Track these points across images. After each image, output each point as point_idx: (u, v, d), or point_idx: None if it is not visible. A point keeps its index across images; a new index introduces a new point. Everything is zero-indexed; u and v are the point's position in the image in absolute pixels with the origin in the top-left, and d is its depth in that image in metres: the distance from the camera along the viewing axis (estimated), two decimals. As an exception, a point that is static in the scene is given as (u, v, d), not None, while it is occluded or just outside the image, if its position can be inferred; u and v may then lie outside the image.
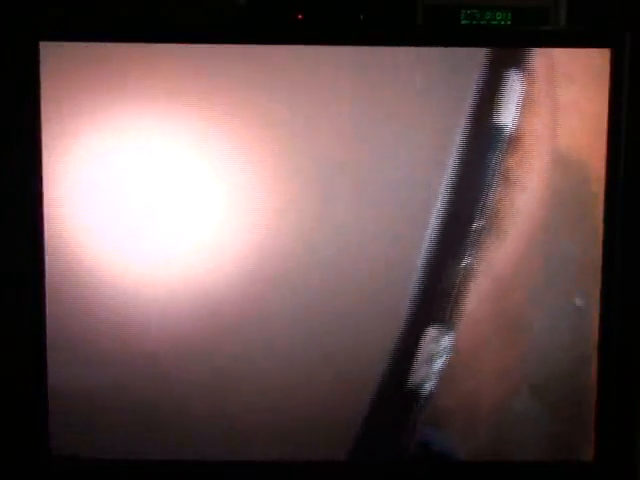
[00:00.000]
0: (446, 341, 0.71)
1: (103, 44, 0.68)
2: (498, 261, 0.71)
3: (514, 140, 0.70)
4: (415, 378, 0.72)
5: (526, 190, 0.71)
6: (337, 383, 0.72)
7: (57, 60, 0.68)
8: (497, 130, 0.70)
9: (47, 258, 0.70)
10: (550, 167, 0.71)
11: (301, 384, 0.72)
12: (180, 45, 0.68)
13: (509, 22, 0.71)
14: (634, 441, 0.75)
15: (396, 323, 0.71)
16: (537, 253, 0.71)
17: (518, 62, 0.69)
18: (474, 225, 0.70)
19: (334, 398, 0.72)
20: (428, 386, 0.72)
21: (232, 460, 0.73)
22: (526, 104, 0.70)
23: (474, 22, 0.71)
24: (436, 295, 0.70)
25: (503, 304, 0.72)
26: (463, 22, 0.71)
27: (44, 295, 0.70)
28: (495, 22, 0.71)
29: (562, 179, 0.71)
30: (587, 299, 0.72)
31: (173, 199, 0.70)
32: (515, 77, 0.70)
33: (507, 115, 0.70)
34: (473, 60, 0.69)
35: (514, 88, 0.70)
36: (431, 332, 0.71)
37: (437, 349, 0.71)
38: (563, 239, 0.71)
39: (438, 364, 0.72)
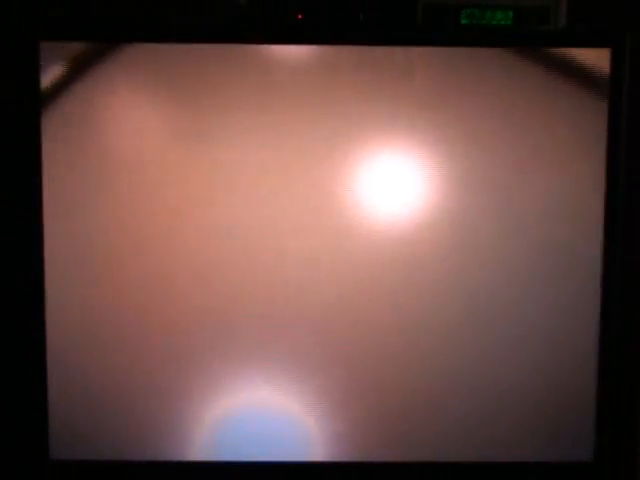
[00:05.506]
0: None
1: (103, 44, 0.68)
2: (497, 259, 0.72)
3: (512, 140, 0.70)
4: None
5: (525, 190, 0.71)
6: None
7: (57, 60, 0.68)
8: (491, 131, 0.70)
9: (46, 258, 0.70)
10: (549, 166, 0.71)
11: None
12: (180, 45, 0.68)
13: (509, 22, 0.71)
14: (634, 441, 0.75)
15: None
16: (537, 252, 0.72)
17: (519, 62, 0.69)
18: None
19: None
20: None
21: (230, 461, 0.73)
22: (524, 104, 0.70)
23: (474, 22, 0.71)
24: None
25: (502, 304, 0.72)
26: (463, 22, 0.71)
27: (44, 297, 0.70)
28: (495, 22, 0.71)
29: (561, 179, 0.71)
30: (587, 299, 0.72)
31: (171, 199, 0.70)
32: (514, 77, 0.70)
33: (507, 116, 0.70)
34: (473, 60, 0.69)
35: (512, 88, 0.70)
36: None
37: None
38: (563, 238, 0.71)
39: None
